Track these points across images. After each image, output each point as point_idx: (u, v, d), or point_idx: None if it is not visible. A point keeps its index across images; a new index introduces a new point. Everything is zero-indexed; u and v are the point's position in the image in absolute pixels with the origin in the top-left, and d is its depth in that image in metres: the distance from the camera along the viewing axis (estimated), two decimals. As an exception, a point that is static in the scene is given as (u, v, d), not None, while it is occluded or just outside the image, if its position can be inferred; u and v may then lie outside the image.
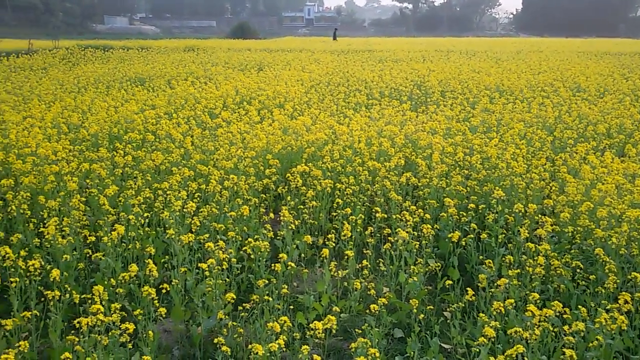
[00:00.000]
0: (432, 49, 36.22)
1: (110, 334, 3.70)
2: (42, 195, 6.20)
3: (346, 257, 5.31)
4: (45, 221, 5.65)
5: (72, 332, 4.02)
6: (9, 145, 7.98)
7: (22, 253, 4.69)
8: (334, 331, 3.77)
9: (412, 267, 5.10)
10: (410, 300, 4.45)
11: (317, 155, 8.06)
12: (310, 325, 3.68)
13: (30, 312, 4.10)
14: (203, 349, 4.49)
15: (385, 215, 6.26)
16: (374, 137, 8.79)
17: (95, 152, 7.94)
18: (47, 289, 4.23)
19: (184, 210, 5.82)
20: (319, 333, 3.53)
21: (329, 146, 8.23)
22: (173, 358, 4.47)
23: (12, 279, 4.30)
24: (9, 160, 7.25)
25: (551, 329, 3.92)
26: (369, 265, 5.18)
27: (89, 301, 4.00)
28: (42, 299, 4.32)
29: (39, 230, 5.59)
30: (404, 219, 5.72)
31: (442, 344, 4.47)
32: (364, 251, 5.70)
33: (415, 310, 4.39)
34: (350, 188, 6.73)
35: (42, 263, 4.52)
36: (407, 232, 5.27)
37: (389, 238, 5.45)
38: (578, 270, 4.95)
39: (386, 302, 4.38)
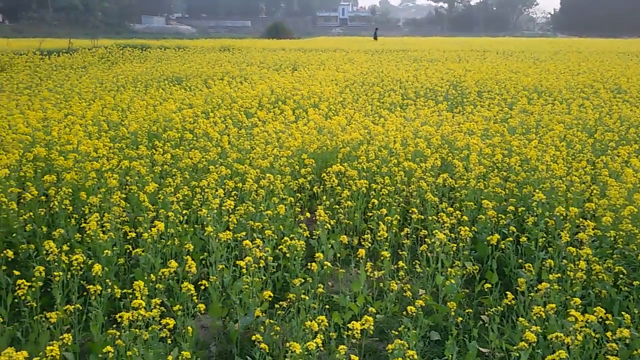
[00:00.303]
0: (468, 48, 35.82)
1: (150, 329, 3.76)
2: (83, 192, 6.35)
3: (381, 258, 5.28)
4: (86, 217, 5.78)
5: (113, 326, 4.10)
6: (51, 142, 8.19)
7: (65, 248, 4.80)
8: (370, 332, 3.76)
9: (449, 269, 5.04)
10: (448, 303, 4.41)
11: (352, 155, 8.05)
12: (348, 325, 3.67)
13: (72, 306, 4.20)
14: (240, 345, 4.53)
15: (423, 217, 6.20)
16: (410, 137, 8.73)
17: (135, 149, 8.09)
18: (88, 284, 4.33)
19: (222, 208, 5.87)
20: (356, 333, 3.52)
21: (364, 146, 8.20)
22: (210, 354, 4.52)
23: (55, 273, 4.40)
24: (51, 156, 7.44)
25: (593, 335, 3.83)
26: (405, 267, 5.15)
27: (130, 296, 4.06)
28: (85, 293, 4.41)
29: (81, 226, 5.72)
30: (440, 221, 5.66)
31: (480, 348, 4.42)
32: (400, 252, 5.66)
33: (453, 313, 4.34)
34: (385, 188, 6.70)
35: (84, 258, 4.62)
36: (444, 234, 5.22)
37: (426, 239, 5.40)
38: (621, 275, 4.83)
39: (423, 304, 4.34)
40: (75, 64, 22.63)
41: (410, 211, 6.18)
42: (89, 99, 12.35)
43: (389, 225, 5.87)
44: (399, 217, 6.24)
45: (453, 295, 4.95)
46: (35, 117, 9.43)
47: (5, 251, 4.89)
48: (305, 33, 78.12)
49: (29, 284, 4.12)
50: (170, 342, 3.89)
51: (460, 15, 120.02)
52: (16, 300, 4.21)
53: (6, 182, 6.46)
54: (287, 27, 71.80)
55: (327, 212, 6.08)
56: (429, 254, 5.31)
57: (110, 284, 4.51)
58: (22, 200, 6.26)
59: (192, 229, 5.96)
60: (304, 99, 12.64)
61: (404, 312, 4.35)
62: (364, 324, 3.61)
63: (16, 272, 4.62)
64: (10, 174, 6.62)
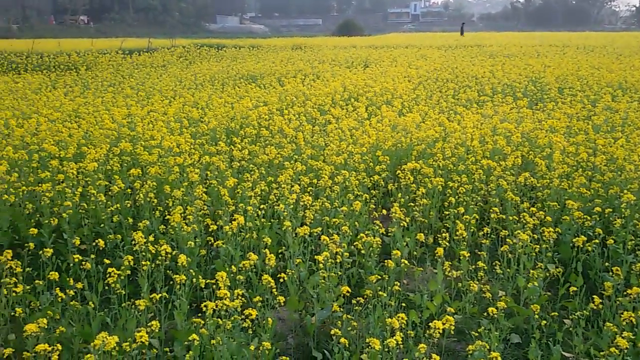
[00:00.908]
0: (547, 43, 34.49)
1: (232, 319, 3.86)
2: (167, 185, 6.60)
3: (458, 257, 5.19)
4: (170, 209, 6.01)
5: (199, 315, 4.25)
6: (135, 138, 8.57)
7: (150, 238, 5.01)
8: (451, 332, 3.70)
9: (531, 271, 4.89)
10: (531, 306, 4.28)
11: (427, 153, 7.94)
12: (430, 324, 3.63)
13: (158, 294, 4.37)
14: (316, 339, 4.58)
15: (504, 217, 6.04)
16: (488, 134, 8.52)
17: (214, 145, 8.33)
18: (172, 273, 4.50)
19: (301, 203, 5.95)
20: (437, 332, 3.48)
21: (439, 144, 8.07)
22: (288, 345, 4.59)
23: (143, 263, 4.60)
24: (136, 151, 7.78)
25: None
26: (485, 267, 5.03)
27: (213, 286, 4.19)
28: (170, 282, 4.58)
29: (165, 218, 5.96)
30: (522, 221, 5.49)
31: (564, 353, 4.26)
32: (477, 252, 5.54)
33: (537, 316, 4.21)
34: (463, 187, 6.57)
35: (170, 249, 4.80)
36: (526, 234, 5.06)
37: (508, 240, 5.26)
38: None
39: (505, 306, 4.23)
40: (155, 62, 23.55)
41: (488, 210, 6.03)
42: (170, 97, 12.82)
43: (467, 224, 5.75)
44: (477, 216, 6.10)
45: (535, 298, 4.79)
46: (120, 114, 9.89)
47: (96, 241, 5.16)
48: (376, 30, 77.72)
49: (118, 272, 4.33)
50: (250, 332, 3.98)
51: (537, 10, 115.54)
52: (106, 287, 4.43)
53: (95, 175, 6.82)
54: (358, 24, 71.64)
55: (401, 209, 6.03)
56: (509, 255, 5.16)
57: (194, 274, 4.67)
58: (109, 193, 6.59)
59: (269, 223, 6.08)
60: (376, 96, 12.60)
61: (485, 314, 4.25)
62: (444, 324, 3.55)
63: (106, 261, 4.88)
64: (98, 168, 6.98)
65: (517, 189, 6.79)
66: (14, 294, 4.25)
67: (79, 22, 76.34)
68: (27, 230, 6.01)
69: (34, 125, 8.96)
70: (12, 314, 4.22)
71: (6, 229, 6.18)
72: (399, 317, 3.67)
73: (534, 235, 5.30)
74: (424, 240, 5.85)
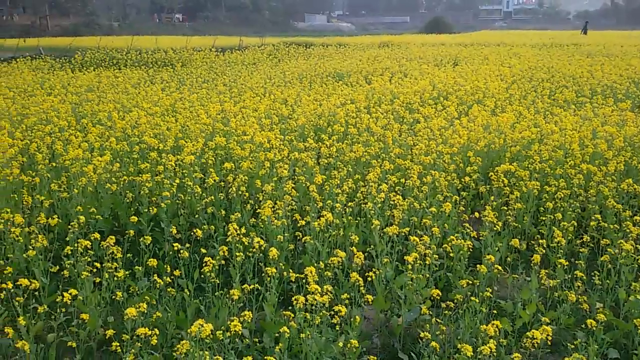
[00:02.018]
0: (652, 42, 32.25)
1: (321, 314, 3.88)
2: (257, 179, 6.76)
3: (553, 265, 4.97)
4: (260, 203, 6.15)
5: (287, 308, 4.32)
6: (228, 133, 8.84)
7: (242, 231, 5.14)
8: (548, 343, 3.55)
9: (632, 284, 4.59)
10: (634, 320, 4.02)
11: (522, 155, 7.65)
12: (523, 333, 3.51)
13: (249, 286, 4.48)
14: (402, 340, 4.54)
15: (605, 224, 5.71)
16: (588, 137, 8.09)
17: (303, 142, 8.44)
18: (262, 266, 4.59)
19: (388, 202, 5.92)
20: (534, 343, 3.35)
21: (535, 146, 7.75)
22: (373, 345, 4.58)
23: (237, 254, 4.74)
24: (229, 146, 8.02)
25: None
26: (583, 277, 4.78)
27: (303, 281, 4.24)
28: (260, 274, 4.68)
29: (255, 211, 6.11)
30: (625, 230, 5.17)
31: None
32: (574, 261, 5.27)
33: (639, 331, 3.96)
34: (560, 192, 6.28)
35: (263, 242, 4.90)
36: (629, 244, 4.76)
37: (608, 249, 4.97)
38: None
39: (604, 319, 4.00)
40: (246, 60, 24.19)
41: (587, 218, 5.73)
42: (260, 94, 13.12)
43: (564, 231, 5.49)
44: (575, 223, 5.81)
45: (636, 312, 4.50)
46: (214, 109, 10.23)
47: (191, 230, 5.38)
48: (466, 27, 75.73)
49: (213, 262, 4.47)
50: (337, 329, 4.00)
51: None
52: (202, 275, 4.60)
53: (191, 167, 7.09)
54: (447, 21, 70.20)
55: (493, 213, 5.85)
56: (609, 265, 4.88)
57: (283, 267, 4.75)
58: (204, 185, 6.84)
59: (356, 221, 6.08)
60: (467, 95, 12.29)
61: (584, 326, 4.04)
62: (542, 334, 3.41)
63: (203, 250, 5.06)
64: (194, 161, 7.25)
65: (618, 196, 6.40)
66: (115, 278, 4.49)
67: (174, 20, 79.81)
68: (126, 218, 6.37)
69: (134, 118, 9.45)
70: (113, 297, 4.47)
71: (107, 216, 6.56)
72: (493, 324, 3.56)
73: (637, 245, 4.98)
74: (515, 247, 5.65)
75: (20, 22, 61.40)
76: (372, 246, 5.42)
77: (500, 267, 4.76)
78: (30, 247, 4.94)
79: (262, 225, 5.81)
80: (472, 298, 4.21)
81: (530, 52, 25.50)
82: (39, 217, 5.56)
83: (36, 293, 4.09)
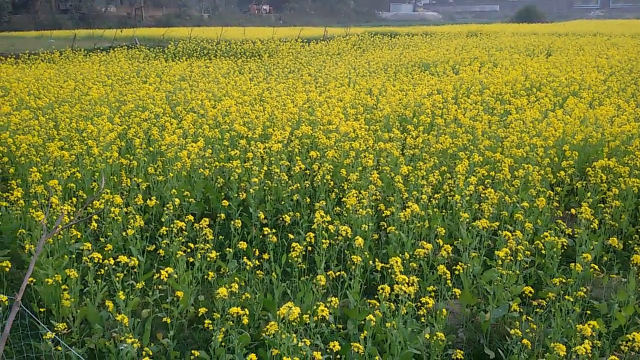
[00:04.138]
0: None
1: (407, 304, 3.85)
2: (342, 168, 6.79)
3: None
4: (345, 192, 6.18)
5: (370, 296, 4.32)
6: (314, 122, 8.93)
7: (327, 219, 5.19)
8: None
9: None
10: None
11: (621, 150, 7.22)
12: (620, 336, 3.33)
13: (336, 272, 4.52)
14: (489, 336, 4.43)
15: None
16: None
17: (388, 132, 8.38)
18: (348, 254, 4.62)
19: (480, 195, 5.77)
20: (636, 345, 3.17)
21: (637, 141, 7.29)
22: (458, 339, 4.51)
23: (323, 241, 4.79)
24: (315, 134, 8.10)
25: None
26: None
27: (389, 270, 4.23)
28: (345, 262, 4.72)
29: (340, 200, 6.14)
30: None
31: None
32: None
33: None
34: (665, 190, 5.88)
35: (350, 231, 4.92)
36: None
37: None
38: None
39: None
40: (331, 50, 24.28)
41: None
42: (345, 84, 13.14)
43: (668, 232, 5.14)
44: (681, 224, 5.43)
45: None
46: (300, 99, 10.36)
47: (277, 216, 5.49)
48: (559, 16, 72.14)
49: (300, 247, 4.55)
50: (422, 320, 3.96)
51: None
52: (290, 260, 4.69)
53: (278, 155, 7.23)
54: (540, 10, 67.04)
55: (590, 210, 5.56)
56: None
57: (367, 256, 4.76)
58: (290, 172, 6.96)
59: (442, 214, 5.98)
60: (562, 87, 11.73)
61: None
62: (644, 337, 3.23)
63: (290, 236, 5.16)
64: (281, 149, 7.39)
65: None
66: (208, 258, 4.67)
67: (262, 11, 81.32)
68: (217, 202, 6.60)
69: (225, 107, 9.74)
70: (204, 277, 4.65)
71: (199, 199, 6.82)
72: (589, 324, 3.41)
73: None
74: (612, 246, 5.36)
75: (117, 13, 64.89)
76: (459, 239, 5.31)
77: (596, 266, 4.53)
78: (129, 226, 5.23)
79: (346, 214, 5.84)
80: (567, 297, 4.04)
81: (630, 42, 23.96)
82: (136, 199, 5.88)
83: (134, 270, 4.32)
